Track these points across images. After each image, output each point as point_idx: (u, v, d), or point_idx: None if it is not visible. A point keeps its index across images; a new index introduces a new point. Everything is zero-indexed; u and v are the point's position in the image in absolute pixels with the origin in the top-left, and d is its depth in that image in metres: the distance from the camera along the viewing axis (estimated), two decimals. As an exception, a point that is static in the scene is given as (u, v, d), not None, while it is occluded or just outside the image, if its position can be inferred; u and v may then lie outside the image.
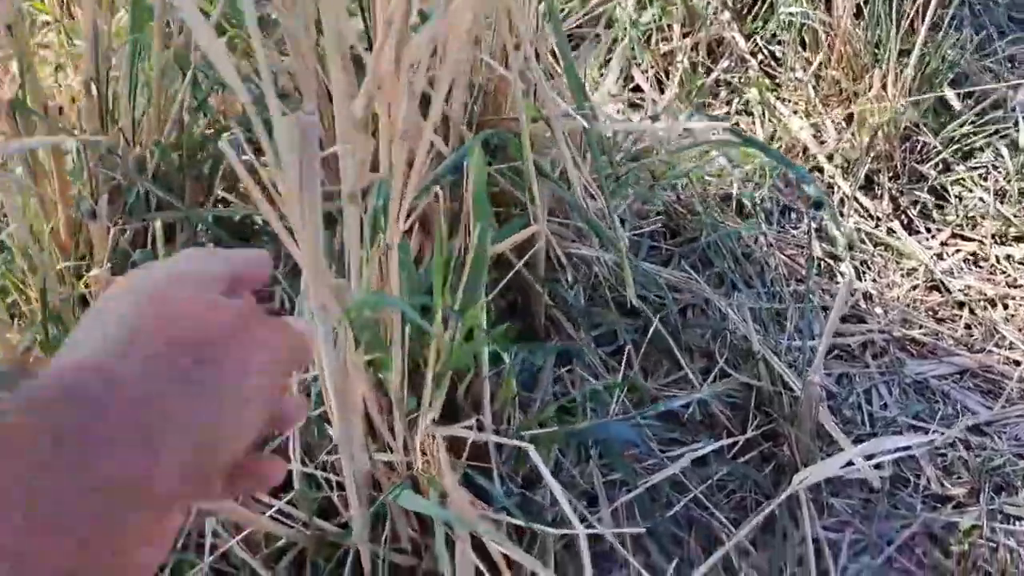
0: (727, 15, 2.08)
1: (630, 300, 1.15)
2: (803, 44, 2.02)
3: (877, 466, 1.31)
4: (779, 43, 2.07)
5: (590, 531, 0.86)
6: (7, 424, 0.28)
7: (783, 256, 1.67)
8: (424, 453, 0.86)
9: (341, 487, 1.02)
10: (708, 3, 2.05)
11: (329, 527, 0.99)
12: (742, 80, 1.98)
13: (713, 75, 1.98)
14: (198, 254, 0.41)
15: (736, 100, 1.98)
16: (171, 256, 0.41)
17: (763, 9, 2.09)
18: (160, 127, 1.15)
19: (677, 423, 1.37)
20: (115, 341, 0.33)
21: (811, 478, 1.13)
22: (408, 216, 0.95)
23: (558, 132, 1.16)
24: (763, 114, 1.93)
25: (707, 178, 1.74)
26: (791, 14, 2.01)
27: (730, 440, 1.28)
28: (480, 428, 1.03)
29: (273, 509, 0.97)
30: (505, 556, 0.95)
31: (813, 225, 1.75)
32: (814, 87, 1.96)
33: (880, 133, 1.83)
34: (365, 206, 0.88)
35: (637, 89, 1.98)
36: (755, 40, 2.05)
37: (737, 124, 1.93)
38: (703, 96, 1.96)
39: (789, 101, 1.97)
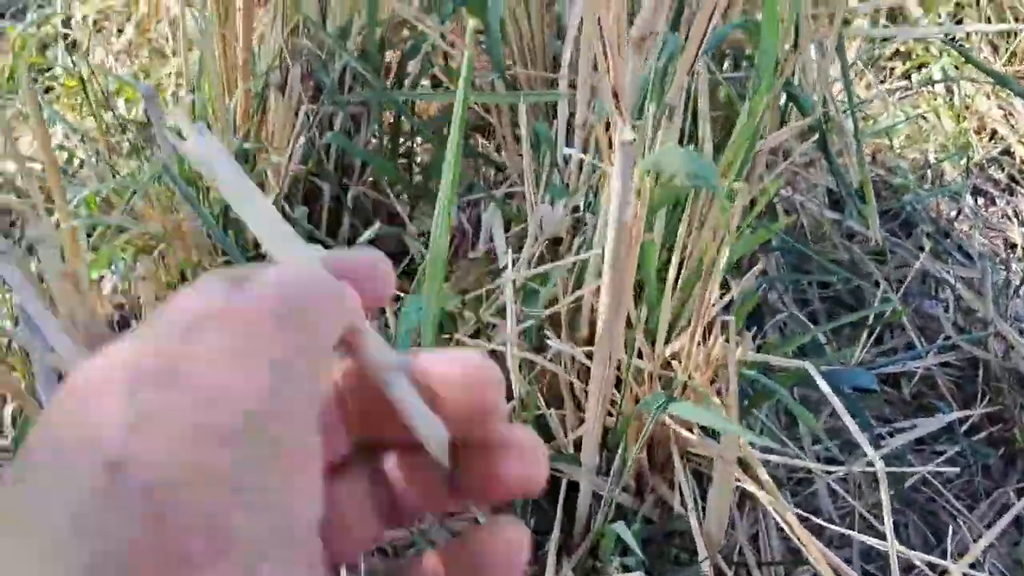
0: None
1: (874, 237, 0.99)
2: (989, 19, 1.86)
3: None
4: (960, 20, 1.91)
5: (892, 469, 0.71)
6: None
7: (983, 239, 1.51)
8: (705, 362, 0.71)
9: (560, 401, 0.88)
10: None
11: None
12: (924, 51, 1.83)
13: (892, 44, 1.83)
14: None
15: (915, 74, 1.82)
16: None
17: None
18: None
19: (881, 400, 1.21)
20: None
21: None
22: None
23: None
24: (947, 91, 1.77)
25: (897, 147, 1.58)
26: (980, -11, 1.86)
27: (956, 415, 1.12)
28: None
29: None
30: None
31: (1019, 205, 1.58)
32: (1005, 64, 1.80)
33: (1083, 117, 1.66)
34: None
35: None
36: (937, 13, 1.90)
37: (917, 99, 1.77)
38: (879, 66, 1.81)
39: (977, 80, 1.80)
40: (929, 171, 1.55)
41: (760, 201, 0.69)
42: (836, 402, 0.73)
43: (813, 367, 0.74)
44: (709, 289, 0.66)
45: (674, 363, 0.77)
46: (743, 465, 0.78)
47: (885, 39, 1.86)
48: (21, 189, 1.29)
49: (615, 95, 0.63)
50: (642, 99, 0.77)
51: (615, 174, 0.58)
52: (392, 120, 1.13)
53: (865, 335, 1.03)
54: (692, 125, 0.92)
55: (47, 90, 1.62)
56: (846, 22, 1.06)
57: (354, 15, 0.98)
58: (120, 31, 1.64)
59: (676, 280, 0.73)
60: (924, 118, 1.66)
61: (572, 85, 1.01)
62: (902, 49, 1.84)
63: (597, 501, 0.88)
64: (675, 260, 0.71)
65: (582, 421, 0.89)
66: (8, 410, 0.93)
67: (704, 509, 0.84)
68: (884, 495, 0.71)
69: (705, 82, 0.89)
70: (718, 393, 0.74)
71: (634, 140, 0.56)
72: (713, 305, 0.68)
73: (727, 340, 0.67)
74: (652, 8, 0.68)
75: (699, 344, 0.71)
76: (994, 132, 1.73)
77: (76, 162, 1.33)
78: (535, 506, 0.89)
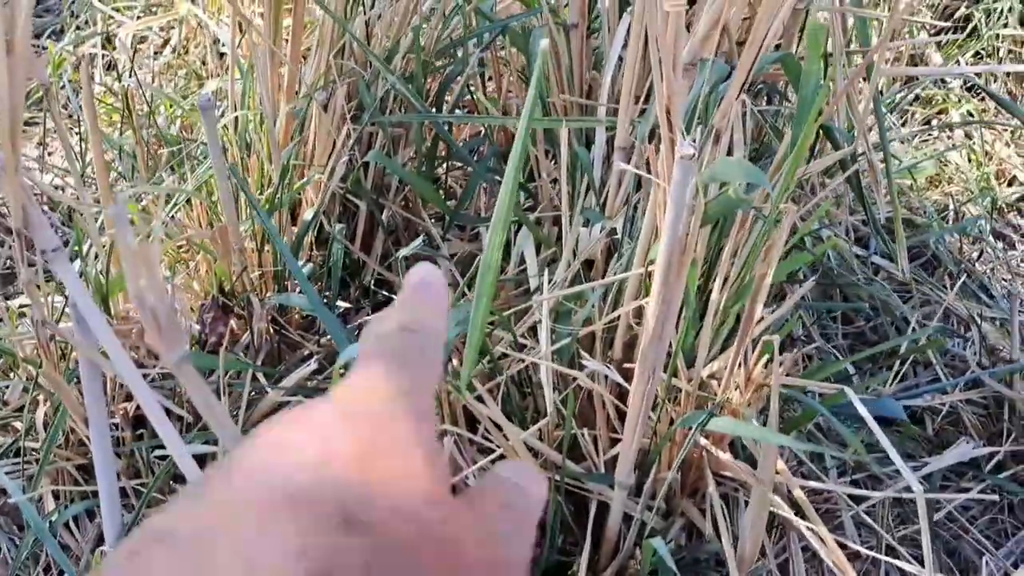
0: (924, 35, 1.96)
1: (902, 269, 1.01)
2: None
3: None
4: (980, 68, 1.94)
5: (931, 495, 0.71)
6: None
7: (1002, 280, 1.52)
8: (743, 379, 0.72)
9: (591, 421, 0.88)
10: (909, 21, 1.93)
11: (576, 468, 0.85)
12: (944, 98, 1.86)
13: (913, 90, 1.86)
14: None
15: (935, 120, 1.84)
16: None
17: (963, 37, 1.97)
18: (404, 23, 1.05)
19: (905, 436, 1.21)
20: None
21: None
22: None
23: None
24: (967, 137, 1.79)
25: (917, 189, 1.60)
26: (998, 37, 1.89)
27: (984, 451, 1.12)
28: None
29: (521, 435, 0.83)
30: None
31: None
32: (1024, 114, 1.82)
33: (1102, 166, 1.68)
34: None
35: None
36: (957, 60, 1.93)
37: (935, 144, 1.79)
38: (898, 111, 1.83)
39: (995, 127, 1.83)
40: (951, 213, 1.56)
41: (807, 225, 0.70)
42: (875, 427, 0.73)
43: (852, 393, 0.75)
44: (756, 308, 0.67)
45: (712, 383, 0.77)
46: (776, 491, 0.78)
47: (908, 80, 1.89)
48: (55, 199, 1.31)
49: (668, 113, 0.65)
50: (688, 123, 0.79)
51: (671, 188, 0.59)
52: (428, 145, 1.14)
53: (897, 365, 1.04)
54: (727, 154, 0.93)
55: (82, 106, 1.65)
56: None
57: (401, 37, 1.01)
58: (157, 53, 1.67)
59: (719, 301, 0.73)
60: (947, 161, 1.68)
61: (610, 112, 1.03)
62: (922, 95, 1.87)
63: (626, 523, 0.88)
64: (719, 280, 0.72)
65: (613, 441, 0.89)
66: (40, 412, 0.94)
67: (734, 534, 0.84)
68: (923, 520, 0.71)
69: (739, 112, 0.91)
70: (761, 413, 0.75)
71: (694, 155, 0.57)
72: (757, 324, 0.69)
73: (770, 360, 0.67)
74: (703, 35, 0.70)
75: (740, 364, 0.71)
76: (1013, 178, 1.74)
77: (113, 175, 1.35)
78: (563, 525, 0.89)
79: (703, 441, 0.78)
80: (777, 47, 1.15)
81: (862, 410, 0.75)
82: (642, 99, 1.01)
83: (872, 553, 0.92)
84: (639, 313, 0.86)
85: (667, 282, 0.63)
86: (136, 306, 0.36)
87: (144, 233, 1.03)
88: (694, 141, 0.67)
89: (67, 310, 0.86)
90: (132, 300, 0.36)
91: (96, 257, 0.88)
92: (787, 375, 0.94)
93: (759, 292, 0.66)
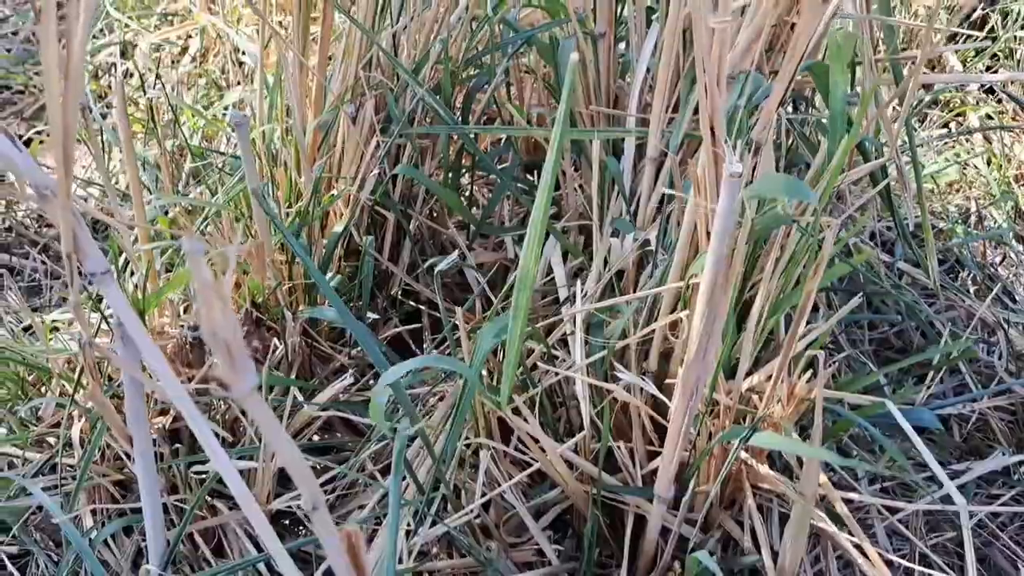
0: (940, 37, 1.96)
1: (933, 280, 1.00)
2: (1026, 73, 1.89)
3: None
4: (996, 71, 1.93)
5: (974, 507, 0.71)
6: None
7: (1024, 283, 1.51)
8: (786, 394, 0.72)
9: (625, 434, 0.88)
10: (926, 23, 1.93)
11: (612, 481, 0.85)
12: (962, 102, 1.85)
13: (931, 94, 1.85)
14: None
15: (953, 123, 1.84)
16: None
17: (980, 39, 1.96)
18: (432, 34, 1.05)
19: (934, 443, 1.21)
20: None
21: None
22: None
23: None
24: (986, 140, 1.79)
25: (939, 193, 1.59)
26: (1016, 39, 1.89)
27: (1016, 459, 1.11)
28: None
29: (558, 449, 0.83)
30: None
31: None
32: (1043, 115, 1.82)
33: (1122, 167, 1.68)
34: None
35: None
36: (974, 65, 1.93)
37: (955, 148, 1.79)
38: (917, 114, 1.83)
39: (1015, 130, 1.82)
40: (973, 216, 1.56)
41: (847, 234, 0.70)
42: (917, 440, 0.73)
43: (893, 406, 0.75)
44: (801, 323, 0.67)
45: (753, 397, 0.77)
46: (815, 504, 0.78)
47: (925, 86, 1.88)
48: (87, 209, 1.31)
49: (712, 129, 0.64)
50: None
51: (719, 207, 0.59)
52: (454, 155, 1.14)
53: (930, 376, 1.03)
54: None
55: (103, 116, 1.65)
56: (888, 69, 1.08)
57: (430, 48, 1.01)
58: (175, 63, 1.67)
59: (759, 315, 0.73)
60: (969, 165, 1.68)
61: (638, 122, 1.03)
62: (941, 98, 1.86)
63: (663, 536, 0.88)
64: (761, 293, 0.72)
65: (650, 454, 0.89)
66: (76, 429, 0.94)
67: (772, 546, 0.84)
68: (966, 533, 0.71)
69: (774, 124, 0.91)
70: (797, 424, 0.75)
71: (742, 173, 0.57)
72: (802, 338, 0.69)
73: (814, 374, 0.67)
74: (743, 49, 0.70)
75: (782, 380, 0.71)
76: (1033, 180, 1.74)
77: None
78: (600, 538, 0.89)
79: (743, 454, 0.78)
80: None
81: (903, 423, 0.74)
82: (670, 109, 1.01)
83: (905, 562, 0.92)
84: (674, 325, 0.86)
85: (712, 300, 0.63)
86: (209, 339, 0.36)
87: (174, 247, 1.04)
88: (735, 152, 0.67)
89: (104, 326, 0.86)
90: (205, 334, 0.36)
91: (132, 274, 0.88)
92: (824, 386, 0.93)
93: (805, 308, 0.66)
